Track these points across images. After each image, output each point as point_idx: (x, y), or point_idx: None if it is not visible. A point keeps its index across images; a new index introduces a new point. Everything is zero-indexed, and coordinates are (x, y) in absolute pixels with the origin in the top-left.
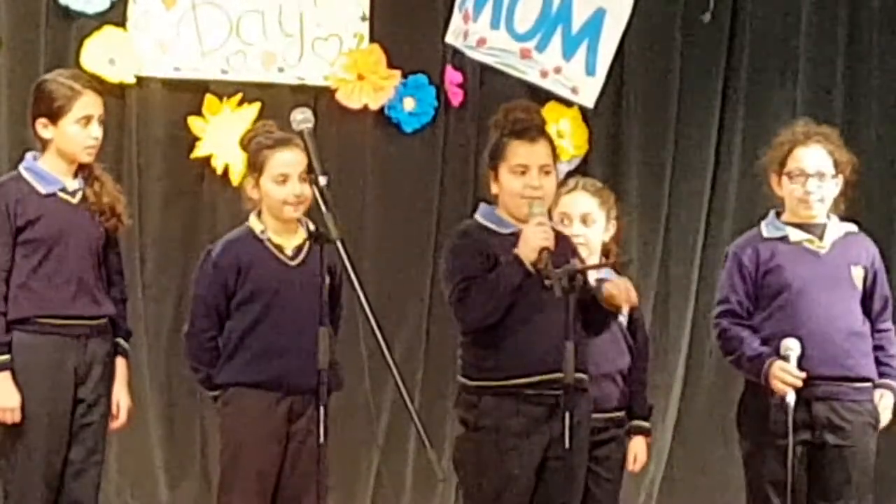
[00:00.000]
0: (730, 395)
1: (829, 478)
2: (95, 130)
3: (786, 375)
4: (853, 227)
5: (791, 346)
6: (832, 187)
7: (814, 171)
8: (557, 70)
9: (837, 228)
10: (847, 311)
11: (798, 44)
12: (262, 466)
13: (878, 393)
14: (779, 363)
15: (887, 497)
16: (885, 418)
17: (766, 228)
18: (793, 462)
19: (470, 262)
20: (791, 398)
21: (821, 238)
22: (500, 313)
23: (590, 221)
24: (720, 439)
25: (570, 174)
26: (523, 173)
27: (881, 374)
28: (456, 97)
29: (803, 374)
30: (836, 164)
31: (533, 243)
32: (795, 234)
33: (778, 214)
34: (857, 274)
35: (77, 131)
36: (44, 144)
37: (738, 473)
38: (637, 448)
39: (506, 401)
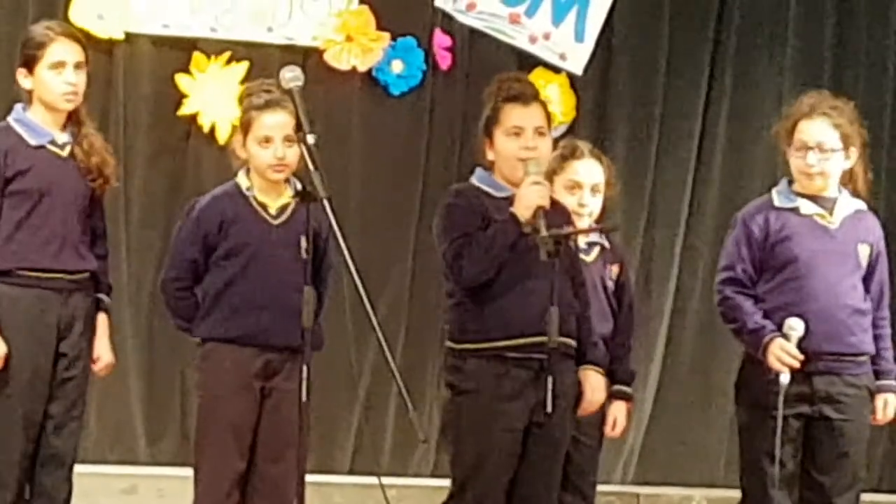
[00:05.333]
0: (711, 364)
1: (826, 451)
2: (70, 76)
3: (784, 355)
4: (862, 205)
5: (794, 327)
6: (836, 161)
7: (813, 144)
8: (546, 36)
9: (848, 205)
10: (852, 289)
11: (787, 14)
12: (236, 420)
13: (880, 399)
14: (779, 341)
15: None
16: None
17: (778, 197)
18: (785, 437)
19: (466, 220)
20: (785, 379)
21: (831, 213)
22: (494, 271)
23: (598, 191)
24: (700, 408)
25: (557, 140)
26: (518, 135)
27: (878, 374)
28: (444, 61)
29: (801, 357)
30: (844, 138)
31: (528, 201)
32: (807, 207)
33: (790, 183)
34: (864, 252)
35: (51, 77)
36: (28, 96)
37: (718, 442)
38: (617, 412)
39: (491, 364)
